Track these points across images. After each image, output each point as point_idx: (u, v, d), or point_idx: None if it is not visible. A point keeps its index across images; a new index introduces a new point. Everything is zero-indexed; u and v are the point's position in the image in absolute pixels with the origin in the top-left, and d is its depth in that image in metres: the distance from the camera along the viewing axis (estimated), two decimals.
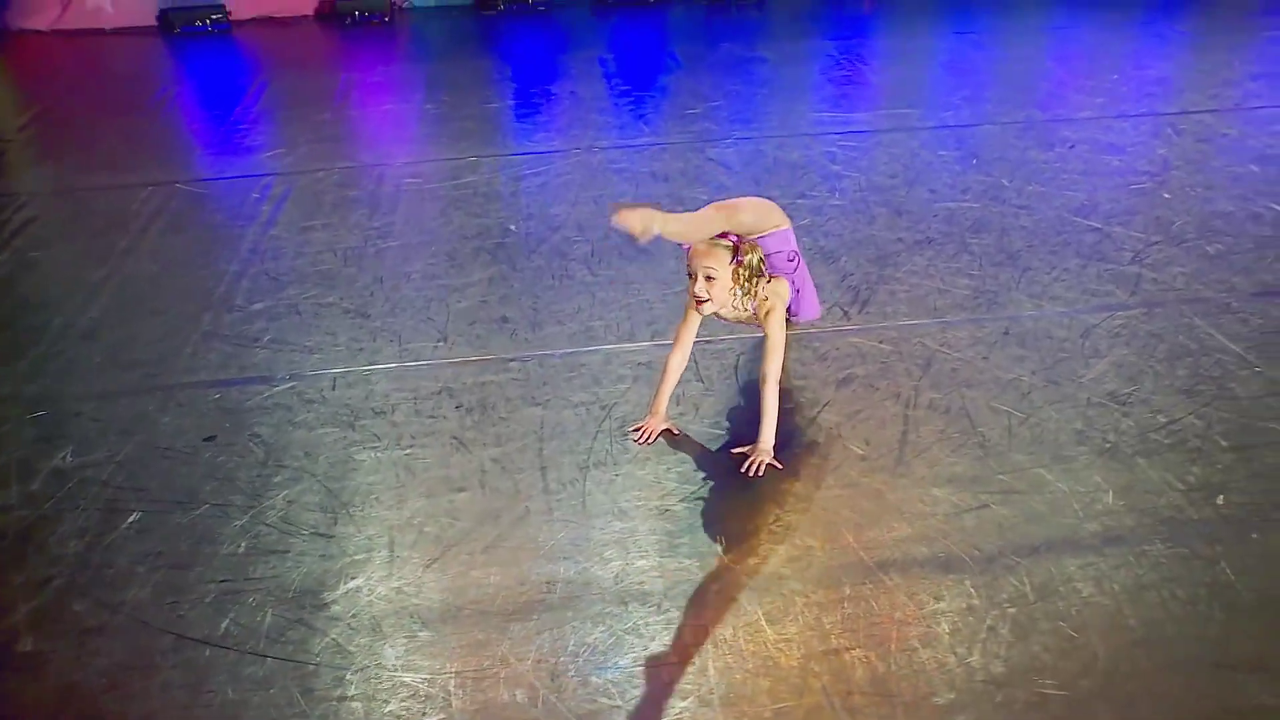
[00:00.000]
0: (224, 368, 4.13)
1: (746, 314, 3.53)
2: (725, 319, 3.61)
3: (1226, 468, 3.41)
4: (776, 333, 3.47)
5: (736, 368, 4.02)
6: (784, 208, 5.14)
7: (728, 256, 3.40)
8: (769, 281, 3.52)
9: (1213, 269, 4.61)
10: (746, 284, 3.44)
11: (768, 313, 3.49)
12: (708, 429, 3.67)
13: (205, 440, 3.69)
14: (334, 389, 3.95)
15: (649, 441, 3.59)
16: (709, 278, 3.40)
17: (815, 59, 7.93)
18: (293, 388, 3.97)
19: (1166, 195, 5.33)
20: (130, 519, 3.31)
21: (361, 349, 4.20)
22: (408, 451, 3.59)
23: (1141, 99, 6.69)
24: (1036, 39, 8.49)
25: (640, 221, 3.21)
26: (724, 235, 3.43)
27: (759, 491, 3.36)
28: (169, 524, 3.29)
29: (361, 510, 3.32)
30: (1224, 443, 3.53)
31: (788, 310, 3.60)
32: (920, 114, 6.54)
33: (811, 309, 3.77)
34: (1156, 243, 4.84)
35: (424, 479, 3.45)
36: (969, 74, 7.63)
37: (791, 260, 3.58)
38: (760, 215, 3.56)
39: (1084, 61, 7.78)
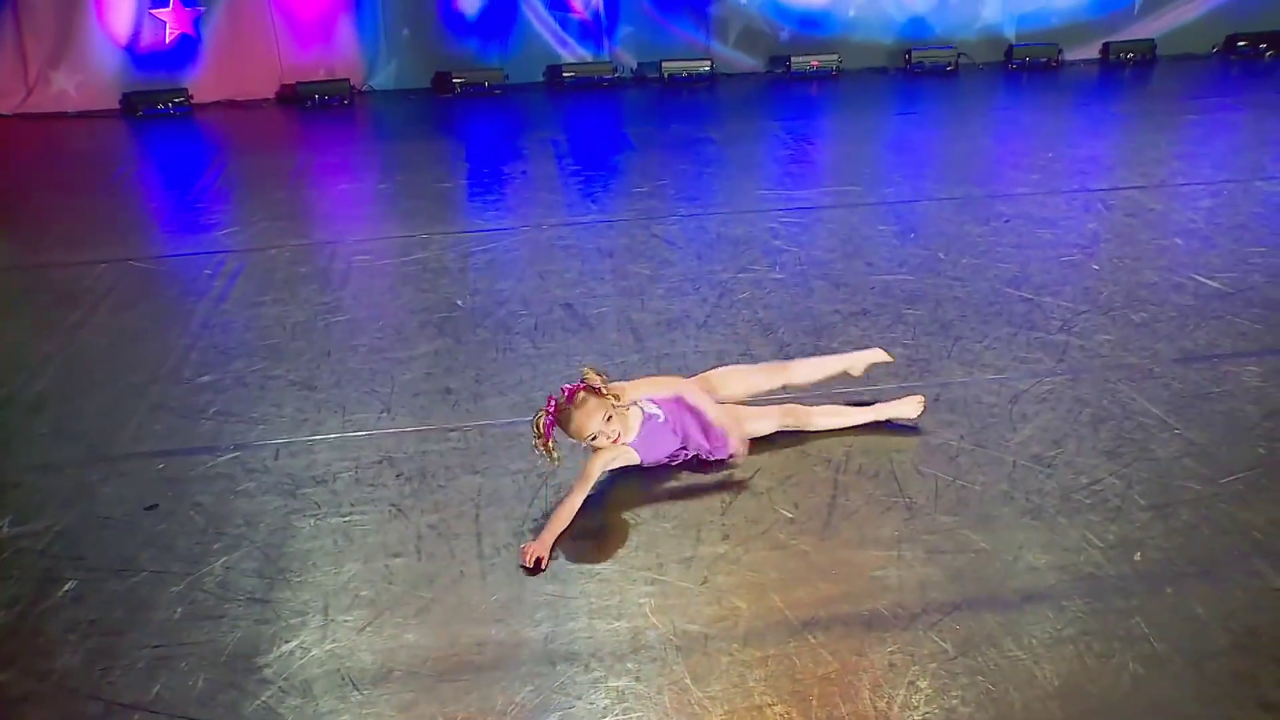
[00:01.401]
0: (169, 439, 4.17)
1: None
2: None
3: (1144, 525, 3.52)
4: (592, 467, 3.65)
5: None
6: (725, 282, 5.39)
7: (589, 398, 3.63)
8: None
9: (1137, 336, 4.78)
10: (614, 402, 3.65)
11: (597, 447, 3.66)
12: (638, 491, 3.74)
13: (147, 509, 3.72)
14: (277, 459, 4.00)
15: (533, 569, 3.35)
16: (608, 419, 3.61)
17: (762, 139, 8.20)
18: (236, 458, 4.02)
19: (1095, 267, 5.53)
20: (65, 587, 3.32)
21: (306, 420, 4.26)
22: (346, 518, 3.63)
23: (1074, 176, 6.96)
24: (976, 119, 8.82)
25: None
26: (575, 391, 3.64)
27: (688, 554, 3.43)
28: (104, 592, 3.31)
29: (299, 576, 3.36)
30: (1142, 501, 3.64)
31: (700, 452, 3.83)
32: (861, 191, 6.76)
33: (722, 448, 3.86)
34: (1084, 312, 5.02)
35: (361, 545, 3.50)
36: (910, 153, 7.91)
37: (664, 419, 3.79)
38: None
39: (1020, 140, 8.10)
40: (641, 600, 3.21)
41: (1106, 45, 10.04)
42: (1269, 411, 4.18)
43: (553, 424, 3.62)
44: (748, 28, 9.76)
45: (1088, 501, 3.65)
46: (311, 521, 3.62)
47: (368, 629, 3.12)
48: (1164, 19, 10.16)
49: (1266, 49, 10.14)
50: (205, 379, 4.62)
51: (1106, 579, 3.28)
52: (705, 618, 3.14)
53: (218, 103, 9.38)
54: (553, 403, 3.63)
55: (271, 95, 9.50)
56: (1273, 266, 5.47)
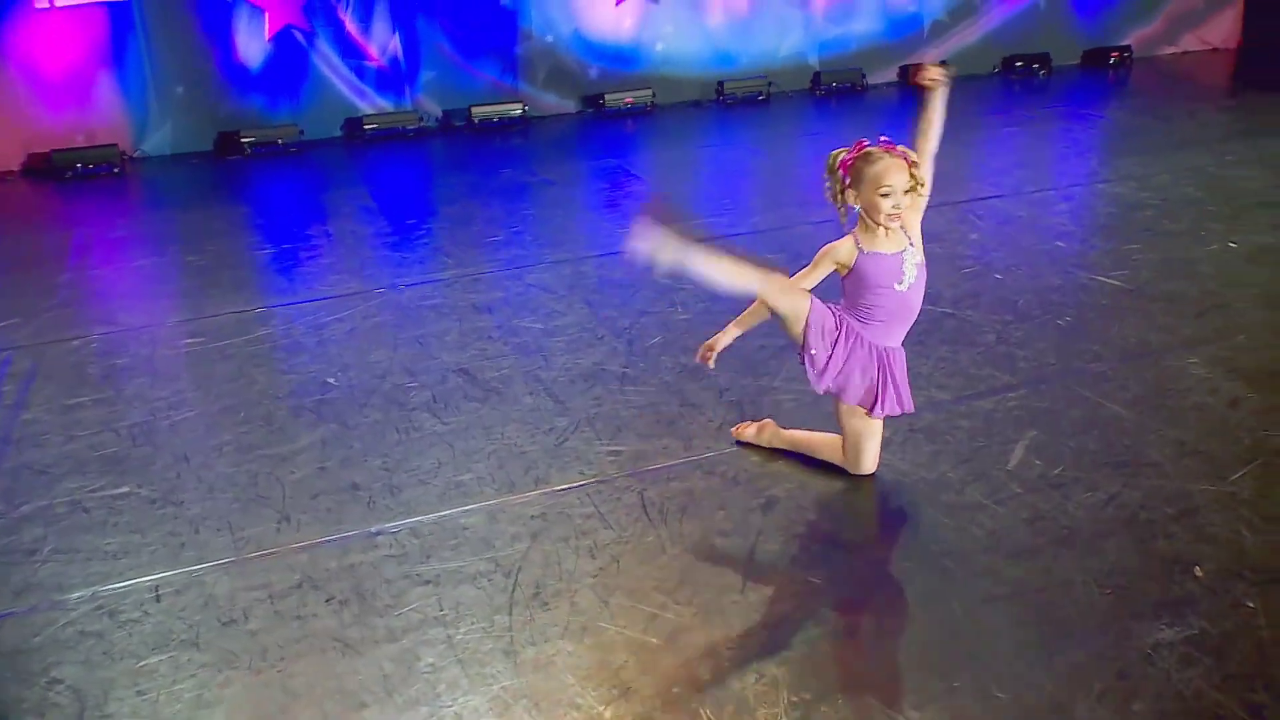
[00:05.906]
0: None
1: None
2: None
3: (1185, 537, 3.22)
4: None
5: (645, 506, 3.49)
6: (629, 328, 4.84)
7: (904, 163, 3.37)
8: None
9: (1073, 340, 4.58)
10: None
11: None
12: (639, 580, 3.11)
13: None
14: (158, 600, 3.09)
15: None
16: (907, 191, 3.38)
17: (599, 177, 7.72)
18: (99, 607, 3.08)
19: (998, 276, 5.34)
20: None
21: (183, 544, 3.36)
22: (279, 668, 2.80)
23: (934, 189, 6.82)
24: (793, 144, 8.69)
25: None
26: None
27: (735, 649, 2.82)
28: None
29: None
30: (1169, 510, 3.36)
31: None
32: (729, 220, 6.38)
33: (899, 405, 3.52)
34: (1010, 321, 4.78)
35: (311, 701, 2.68)
36: (750, 180, 7.65)
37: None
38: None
39: None
40: (696, 710, 2.58)
41: (904, 68, 10.22)
42: (1229, 402, 4.03)
43: (852, 161, 3.31)
44: (556, 67, 9.28)
45: (1120, 518, 3.32)
46: (234, 679, 2.77)
47: None
48: (949, 42, 10.45)
49: (1039, 68, 10.65)
50: (25, 509, 3.62)
51: (1185, 602, 2.95)
52: None
53: None
54: (863, 144, 3.34)
55: (17, 167, 8.18)
56: (1153, 263, 5.45)
